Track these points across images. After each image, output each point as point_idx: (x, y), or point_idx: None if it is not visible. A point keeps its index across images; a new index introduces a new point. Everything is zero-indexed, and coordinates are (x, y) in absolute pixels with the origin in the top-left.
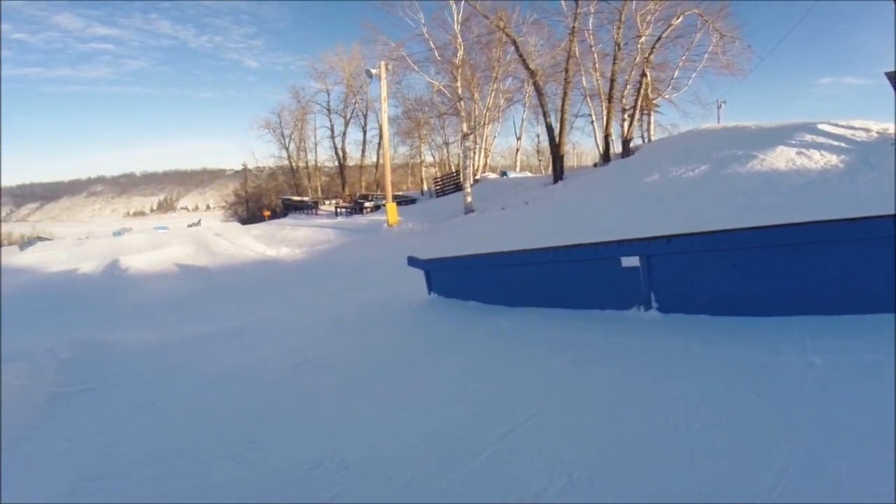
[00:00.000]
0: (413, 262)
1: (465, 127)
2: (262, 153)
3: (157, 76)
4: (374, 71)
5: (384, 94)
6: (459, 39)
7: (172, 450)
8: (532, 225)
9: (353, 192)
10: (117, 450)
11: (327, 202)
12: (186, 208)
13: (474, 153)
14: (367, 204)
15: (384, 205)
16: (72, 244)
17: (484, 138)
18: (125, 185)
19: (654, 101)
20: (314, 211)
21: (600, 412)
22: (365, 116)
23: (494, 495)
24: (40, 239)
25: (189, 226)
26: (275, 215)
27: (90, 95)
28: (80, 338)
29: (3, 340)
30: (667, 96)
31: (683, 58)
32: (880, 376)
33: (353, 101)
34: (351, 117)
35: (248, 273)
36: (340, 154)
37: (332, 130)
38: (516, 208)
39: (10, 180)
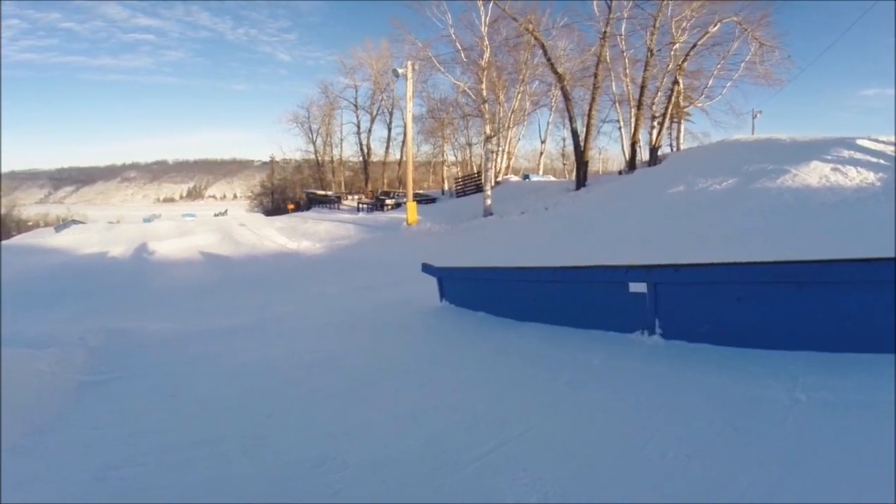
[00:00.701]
0: (427, 268)
1: (488, 129)
2: (289, 146)
3: (194, 67)
4: (400, 70)
5: (410, 93)
6: (486, 41)
7: (190, 442)
8: (550, 232)
9: (376, 188)
10: (139, 440)
11: (350, 197)
12: (214, 196)
13: (497, 156)
14: (388, 201)
15: (405, 203)
16: (103, 228)
17: (507, 140)
18: (157, 171)
19: (685, 109)
20: (337, 205)
21: (585, 434)
22: (390, 114)
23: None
24: (74, 222)
25: (215, 215)
26: (298, 208)
27: (129, 84)
28: (108, 326)
29: (36, 319)
30: (699, 104)
31: (719, 66)
32: (862, 417)
33: (380, 98)
34: (377, 114)
35: (269, 265)
36: (365, 150)
37: (359, 126)
38: (536, 213)
39: (49, 164)
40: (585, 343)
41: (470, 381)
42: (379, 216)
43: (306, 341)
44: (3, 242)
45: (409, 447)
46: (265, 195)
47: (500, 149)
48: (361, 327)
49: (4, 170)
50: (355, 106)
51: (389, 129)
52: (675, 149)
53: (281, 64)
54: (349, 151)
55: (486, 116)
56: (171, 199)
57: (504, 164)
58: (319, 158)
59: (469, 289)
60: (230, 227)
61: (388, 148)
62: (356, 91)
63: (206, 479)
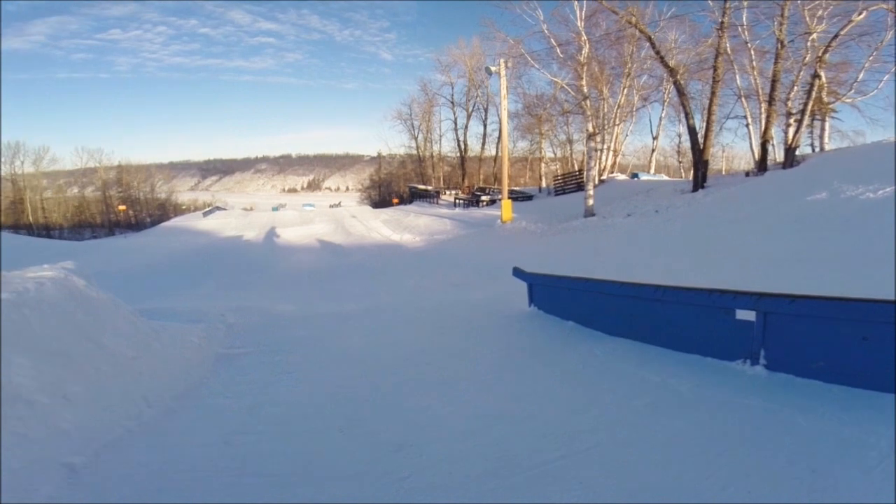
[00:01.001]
0: (518, 273)
1: (590, 126)
2: (394, 142)
3: (310, 68)
4: (493, 68)
5: (504, 91)
6: (584, 37)
7: (298, 416)
8: (659, 239)
9: (472, 184)
10: (259, 411)
11: (448, 192)
12: (330, 188)
13: (601, 153)
14: (483, 197)
15: (500, 199)
16: (240, 214)
17: (613, 137)
18: (283, 164)
19: (829, 106)
20: (436, 200)
21: (651, 458)
22: (486, 110)
23: None
24: (218, 208)
25: (331, 206)
26: (402, 201)
27: (259, 85)
28: (242, 305)
29: (189, 293)
30: (848, 100)
31: (871, 57)
32: None
33: (475, 94)
34: (472, 110)
35: (375, 254)
36: (462, 146)
37: (455, 123)
38: (644, 217)
39: (200, 155)
40: (678, 367)
41: (548, 391)
42: (474, 212)
43: (401, 333)
44: (168, 223)
45: (478, 446)
46: (373, 188)
47: (605, 146)
48: (451, 325)
49: (166, 160)
50: (452, 103)
51: (485, 126)
52: (817, 149)
53: (384, 63)
54: (447, 147)
55: (588, 113)
56: (294, 190)
57: (609, 162)
58: (421, 154)
59: (560, 297)
60: (343, 217)
61: (483, 144)
62: (452, 88)
63: (307, 450)
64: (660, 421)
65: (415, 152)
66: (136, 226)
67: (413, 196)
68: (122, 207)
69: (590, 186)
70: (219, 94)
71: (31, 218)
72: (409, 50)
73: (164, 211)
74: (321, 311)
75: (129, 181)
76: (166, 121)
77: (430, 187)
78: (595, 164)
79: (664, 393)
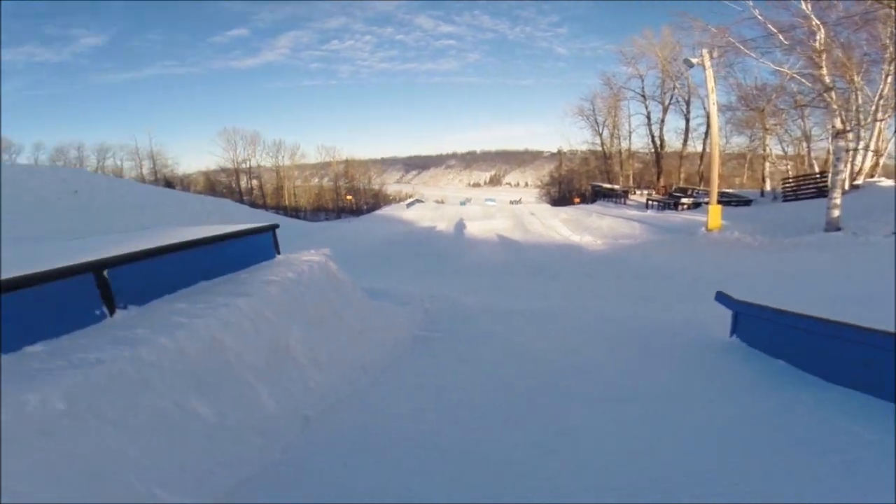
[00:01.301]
0: (723, 299)
1: (837, 122)
2: (576, 139)
3: (488, 67)
4: (694, 60)
5: (711, 83)
6: (815, 21)
7: (473, 403)
8: None
9: (669, 183)
10: (442, 394)
11: (638, 192)
12: (510, 183)
13: (854, 154)
14: (683, 199)
15: (705, 203)
16: (434, 207)
17: (875, 135)
18: (469, 160)
19: None
20: (623, 200)
21: None
22: (687, 103)
23: None
24: (418, 201)
25: (511, 202)
26: (584, 200)
27: (446, 86)
28: (437, 293)
29: (396, 276)
30: None
31: None
32: None
33: (672, 86)
34: (670, 104)
35: (552, 254)
36: (657, 142)
37: (649, 118)
38: None
39: (404, 152)
40: None
41: (732, 436)
42: (671, 216)
43: (573, 341)
44: (380, 211)
45: (627, 481)
46: (552, 185)
47: (861, 145)
48: (633, 343)
49: (378, 156)
50: (643, 96)
51: (687, 120)
52: None
53: (559, 57)
54: (639, 143)
55: (834, 107)
56: (478, 185)
57: (869, 164)
58: (606, 150)
59: (772, 332)
60: (522, 214)
61: (685, 140)
62: (642, 81)
63: (472, 437)
64: (857, 482)
65: (599, 148)
66: (355, 212)
67: (596, 195)
68: (349, 197)
69: (836, 193)
70: (416, 95)
71: (286, 202)
72: (584, 43)
73: (377, 200)
74: (501, 307)
75: (353, 174)
76: (378, 120)
77: (616, 186)
78: (845, 167)
79: (875, 450)
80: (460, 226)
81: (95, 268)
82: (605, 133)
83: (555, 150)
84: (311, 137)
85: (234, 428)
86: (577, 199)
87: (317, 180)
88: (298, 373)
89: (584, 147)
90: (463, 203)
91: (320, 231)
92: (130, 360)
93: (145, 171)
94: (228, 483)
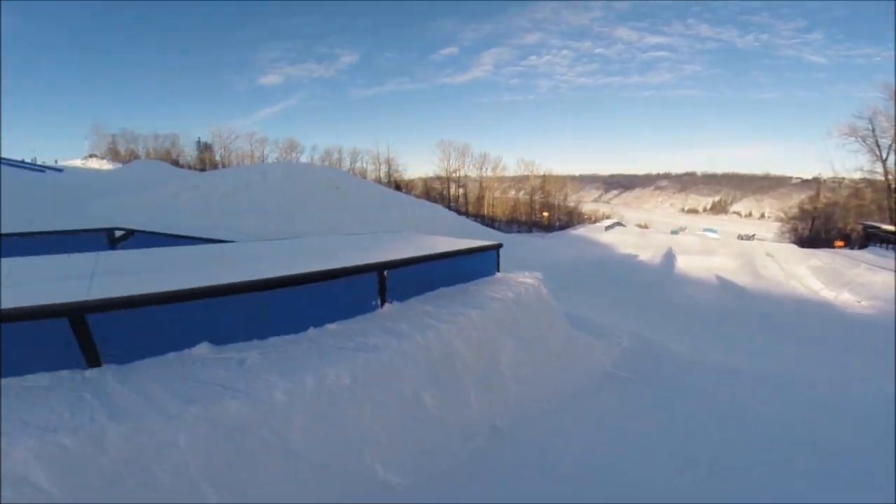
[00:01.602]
0: None
1: None
2: (844, 164)
3: (712, 79)
4: None
5: None
6: None
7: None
8: None
9: None
10: (623, 435)
11: None
12: (739, 213)
13: None
14: None
15: None
16: (637, 233)
17: None
18: (686, 182)
19: None
20: None
21: None
22: None
23: None
24: (619, 224)
25: (739, 237)
26: (849, 244)
27: (657, 99)
28: (637, 332)
29: (588, 302)
30: None
31: None
32: None
33: None
34: None
35: (788, 310)
36: None
37: None
38: None
39: (605, 170)
40: None
41: None
42: None
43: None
44: (574, 231)
45: None
46: (802, 220)
47: None
48: None
49: (577, 172)
50: None
51: None
52: None
53: (813, 67)
54: None
55: None
56: (695, 211)
57: None
58: (890, 182)
59: None
60: (754, 253)
61: None
62: None
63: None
64: None
65: (880, 178)
66: (547, 227)
67: (869, 238)
68: (545, 213)
69: None
70: (621, 110)
71: (485, 211)
72: (849, 49)
73: (570, 218)
74: (715, 361)
75: (549, 189)
76: (577, 136)
77: None
78: None
79: None
80: (669, 257)
81: (379, 268)
82: (891, 160)
83: (809, 177)
84: (512, 151)
85: (446, 422)
86: (839, 243)
87: (514, 192)
88: (500, 384)
89: (857, 175)
90: (675, 232)
91: (516, 245)
92: (396, 351)
93: (381, 174)
94: (439, 468)
